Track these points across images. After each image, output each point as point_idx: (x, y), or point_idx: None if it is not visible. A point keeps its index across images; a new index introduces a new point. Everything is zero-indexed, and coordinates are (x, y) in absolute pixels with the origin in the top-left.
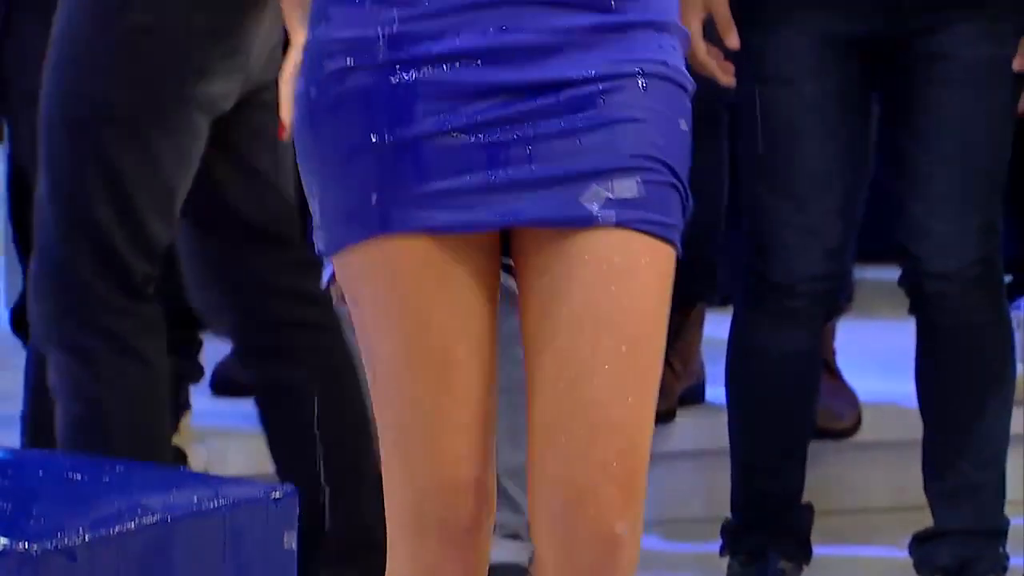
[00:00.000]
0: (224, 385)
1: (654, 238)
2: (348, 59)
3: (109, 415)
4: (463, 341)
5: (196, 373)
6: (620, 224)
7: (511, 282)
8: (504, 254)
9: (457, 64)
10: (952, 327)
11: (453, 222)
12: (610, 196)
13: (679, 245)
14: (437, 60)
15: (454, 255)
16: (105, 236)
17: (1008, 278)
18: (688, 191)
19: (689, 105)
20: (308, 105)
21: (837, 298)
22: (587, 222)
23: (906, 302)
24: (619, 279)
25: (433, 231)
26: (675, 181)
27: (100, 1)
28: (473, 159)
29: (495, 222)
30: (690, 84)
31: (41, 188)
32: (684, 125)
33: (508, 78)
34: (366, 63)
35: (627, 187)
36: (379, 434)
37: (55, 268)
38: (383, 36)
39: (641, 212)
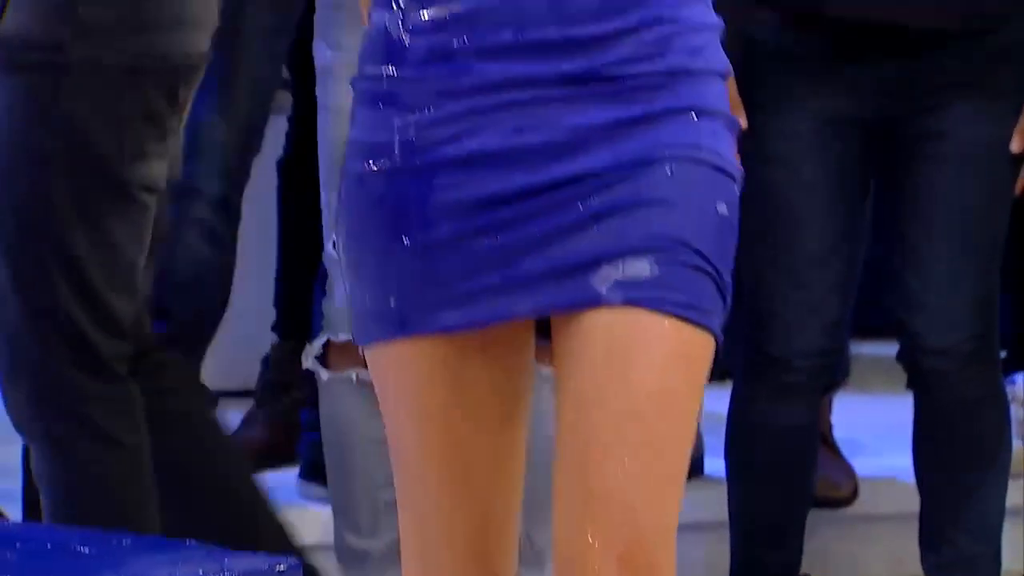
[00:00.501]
0: None
1: (670, 317)
2: (368, 163)
3: (85, 504)
4: (483, 440)
5: None
6: (628, 303)
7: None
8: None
9: (473, 168)
10: (949, 402)
11: (466, 321)
12: (619, 277)
13: (714, 329)
14: (453, 165)
15: (474, 351)
16: (71, 322)
17: (1003, 353)
18: (728, 275)
19: (733, 188)
20: (338, 204)
21: (834, 373)
22: (594, 303)
23: (902, 377)
24: (624, 355)
25: (447, 331)
26: (703, 264)
27: (35, 90)
28: (489, 260)
29: (507, 315)
30: (734, 168)
31: (2, 277)
32: (723, 209)
33: (525, 181)
34: (384, 167)
35: (639, 268)
36: (399, 508)
37: (23, 357)
38: (399, 141)
39: (654, 291)
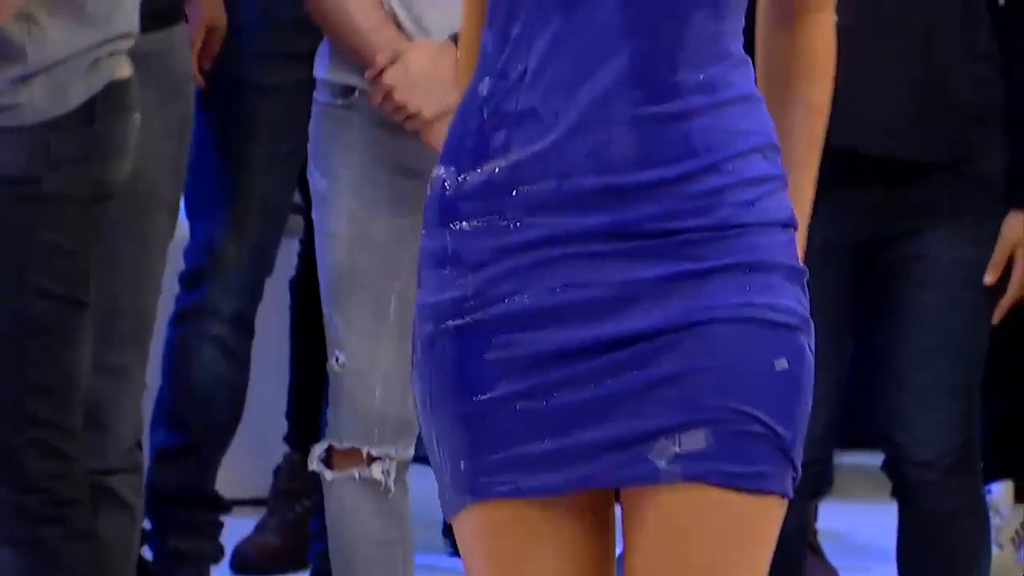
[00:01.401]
0: (244, 564)
1: (728, 490)
2: (434, 325)
3: None
4: None
5: (218, 553)
6: (686, 478)
7: None
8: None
9: (525, 326)
10: (933, 511)
11: (524, 489)
12: (677, 451)
13: (777, 490)
14: (508, 322)
15: (542, 517)
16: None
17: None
18: (794, 430)
19: (794, 338)
20: (412, 370)
21: (820, 481)
22: (653, 479)
23: (886, 485)
24: (683, 534)
25: (505, 497)
26: (760, 428)
27: (12, 221)
28: (544, 424)
29: (566, 486)
30: (795, 318)
31: None
32: (781, 364)
33: (574, 339)
34: (448, 328)
35: (696, 439)
36: None
37: None
38: (460, 300)
39: (712, 464)
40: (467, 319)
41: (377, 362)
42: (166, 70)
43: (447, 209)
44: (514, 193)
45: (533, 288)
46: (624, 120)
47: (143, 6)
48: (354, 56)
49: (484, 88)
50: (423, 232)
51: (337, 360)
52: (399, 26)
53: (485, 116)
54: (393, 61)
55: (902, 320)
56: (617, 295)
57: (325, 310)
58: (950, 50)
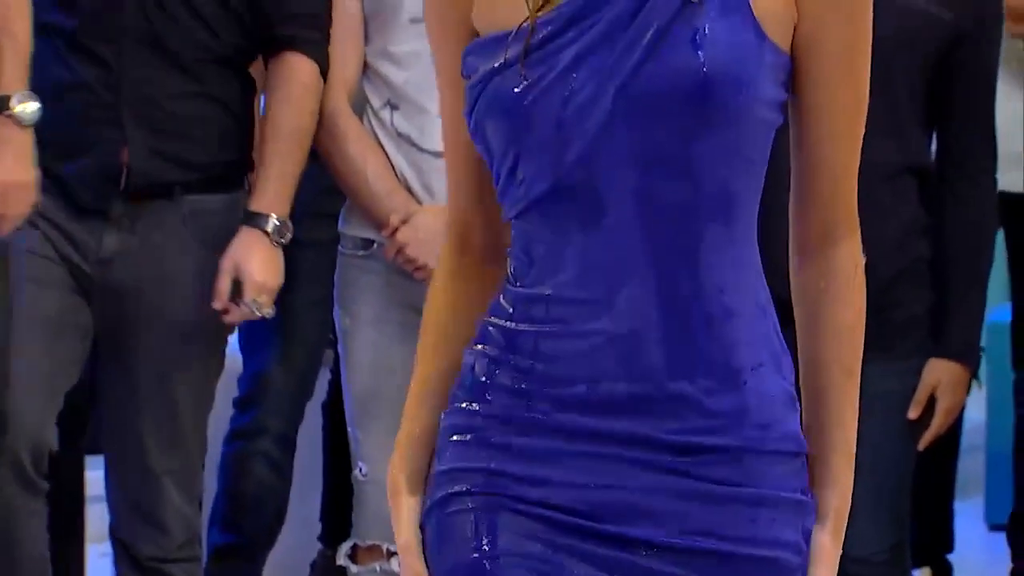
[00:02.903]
0: None
1: None
2: (451, 489)
3: None
4: None
5: None
6: None
7: None
8: None
9: (543, 516)
10: None
11: None
12: None
13: None
14: (526, 507)
15: None
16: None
17: None
18: None
19: (791, 571)
20: (424, 536)
21: None
22: None
23: None
24: None
25: None
26: None
27: None
28: None
29: None
30: (796, 552)
31: None
32: None
33: (589, 538)
34: (465, 496)
35: None
36: None
37: None
38: (480, 472)
39: None
40: (487, 492)
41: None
42: (212, 226)
43: (476, 391)
44: (543, 391)
45: (554, 479)
46: (652, 330)
47: (203, 168)
48: (371, 215)
49: (513, 298)
50: (447, 411)
51: (360, 470)
52: (409, 190)
53: (515, 321)
54: (405, 221)
55: None
56: (636, 501)
57: (349, 428)
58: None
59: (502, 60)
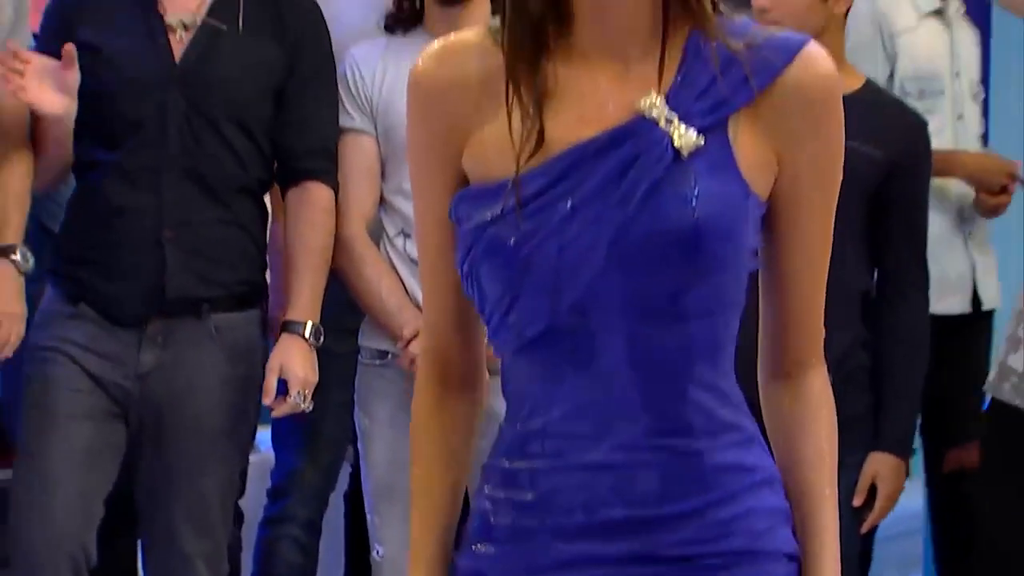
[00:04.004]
0: None
1: None
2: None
3: None
4: None
5: None
6: None
7: None
8: None
9: None
10: None
11: None
12: None
13: None
14: None
15: None
16: None
17: None
18: None
19: None
20: None
21: None
22: None
23: None
24: None
25: None
26: None
27: None
28: None
29: None
30: None
31: None
32: None
33: None
34: None
35: None
36: None
37: None
38: None
39: None
40: None
41: (407, 553)
42: (235, 340)
43: (483, 532)
44: (543, 524)
45: None
46: (645, 458)
47: (229, 287)
48: (386, 329)
49: (510, 437)
50: (459, 551)
51: (377, 552)
52: (419, 307)
53: (512, 459)
54: (416, 335)
55: None
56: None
57: (368, 515)
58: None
59: (498, 211)
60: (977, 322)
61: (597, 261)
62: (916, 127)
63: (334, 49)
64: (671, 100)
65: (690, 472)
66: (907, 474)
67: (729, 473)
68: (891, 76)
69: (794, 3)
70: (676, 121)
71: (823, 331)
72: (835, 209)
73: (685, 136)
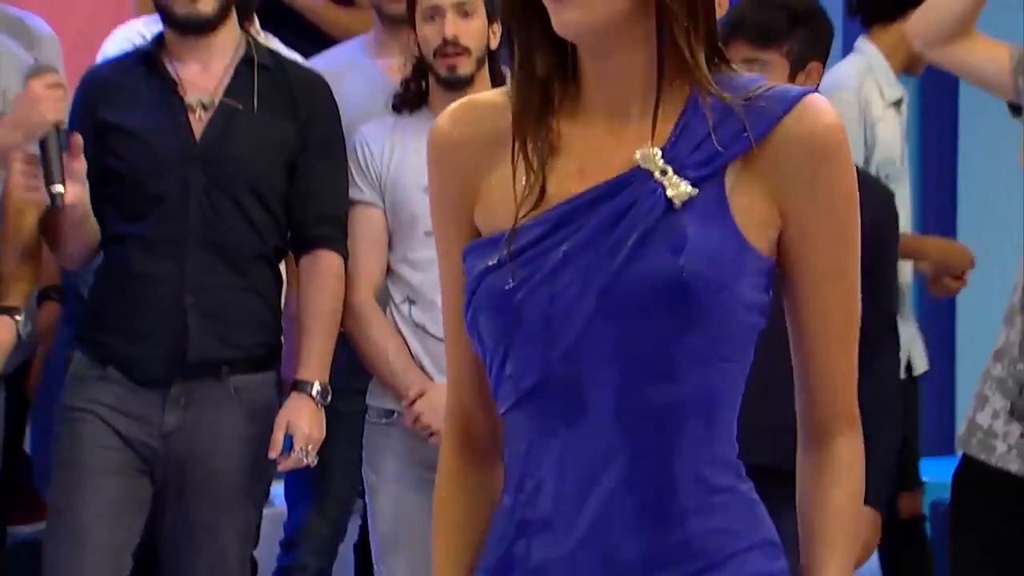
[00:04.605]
0: None
1: None
2: None
3: None
4: None
5: None
6: None
7: None
8: None
9: None
10: None
11: None
12: None
13: None
14: None
15: None
16: None
17: None
18: None
19: None
20: None
21: None
22: None
23: None
24: None
25: None
26: None
27: None
28: None
29: None
30: None
31: None
32: None
33: None
34: None
35: None
36: None
37: None
38: None
39: None
40: None
41: None
42: (253, 401)
43: None
44: None
45: None
46: (629, 526)
47: (247, 349)
48: (392, 389)
49: (509, 499)
50: None
51: None
52: (423, 369)
53: (512, 526)
54: (420, 395)
55: None
56: None
57: (375, 565)
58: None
59: (496, 260)
60: (908, 384)
61: (587, 310)
62: (884, 198)
63: (345, 127)
64: (667, 152)
65: (674, 538)
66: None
67: (715, 538)
68: (867, 161)
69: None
70: (670, 172)
71: (853, 399)
72: (857, 275)
73: (678, 187)
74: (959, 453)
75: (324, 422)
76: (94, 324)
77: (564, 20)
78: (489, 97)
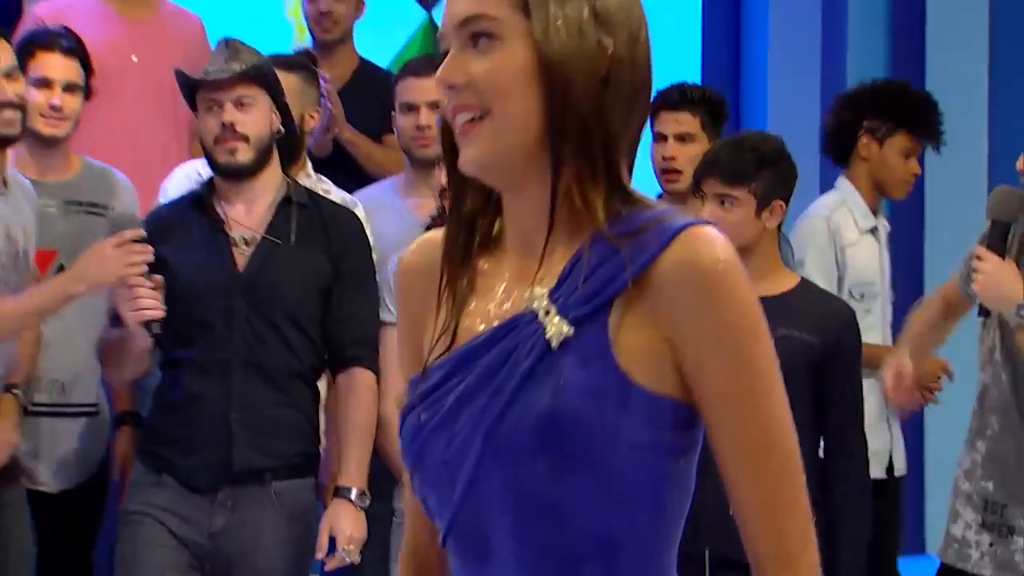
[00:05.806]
0: None
1: None
2: None
3: None
4: None
5: None
6: None
7: None
8: None
9: None
10: None
11: None
12: None
13: None
14: None
15: None
16: None
17: None
18: None
19: None
20: None
21: None
22: None
23: None
24: None
25: None
26: None
27: None
28: None
29: None
30: None
31: None
32: None
33: None
34: None
35: None
36: None
37: None
38: None
39: None
40: None
41: None
42: (293, 504)
43: None
44: None
45: None
46: None
47: (287, 458)
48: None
49: None
50: None
51: None
52: None
53: None
54: None
55: None
56: None
57: None
58: None
59: (410, 400)
60: (890, 484)
61: (476, 453)
62: (845, 317)
63: (378, 257)
64: (553, 293)
65: None
66: None
67: None
68: (840, 280)
69: (731, 220)
70: (553, 312)
71: (789, 536)
72: (771, 399)
73: (556, 327)
74: (930, 553)
75: (365, 523)
76: (152, 438)
77: (464, 157)
78: None
